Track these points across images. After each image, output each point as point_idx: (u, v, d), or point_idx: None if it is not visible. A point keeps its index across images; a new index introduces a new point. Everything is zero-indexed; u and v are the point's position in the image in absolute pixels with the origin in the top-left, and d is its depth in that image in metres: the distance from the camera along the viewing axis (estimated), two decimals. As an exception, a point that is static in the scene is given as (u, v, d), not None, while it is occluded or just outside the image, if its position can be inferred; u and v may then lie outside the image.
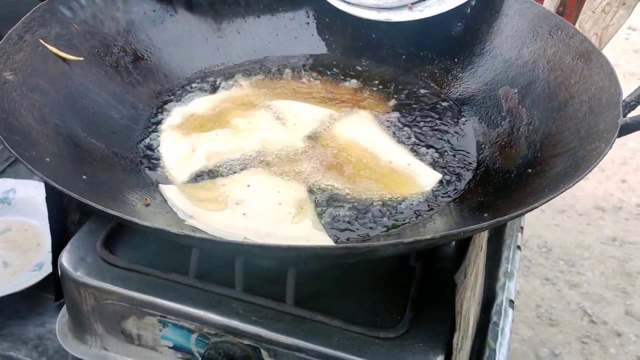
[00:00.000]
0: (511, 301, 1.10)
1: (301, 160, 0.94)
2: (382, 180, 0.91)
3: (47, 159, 0.73)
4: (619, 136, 0.73)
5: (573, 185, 0.65)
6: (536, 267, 2.54)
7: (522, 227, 1.25)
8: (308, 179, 0.91)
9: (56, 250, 0.96)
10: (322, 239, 0.79)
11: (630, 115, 0.76)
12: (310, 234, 0.80)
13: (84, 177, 0.76)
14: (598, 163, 0.68)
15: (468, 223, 0.76)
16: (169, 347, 0.86)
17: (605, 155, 0.69)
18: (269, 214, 0.84)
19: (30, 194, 1.27)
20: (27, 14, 0.90)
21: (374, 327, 0.79)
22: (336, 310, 0.80)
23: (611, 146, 0.70)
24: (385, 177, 0.92)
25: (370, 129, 1.01)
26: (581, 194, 2.83)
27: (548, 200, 0.63)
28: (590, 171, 0.67)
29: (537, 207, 0.63)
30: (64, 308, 0.93)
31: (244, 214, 0.83)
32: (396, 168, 0.94)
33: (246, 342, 0.80)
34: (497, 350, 1.00)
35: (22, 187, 1.28)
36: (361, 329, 0.78)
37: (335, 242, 0.78)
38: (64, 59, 0.92)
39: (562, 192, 0.64)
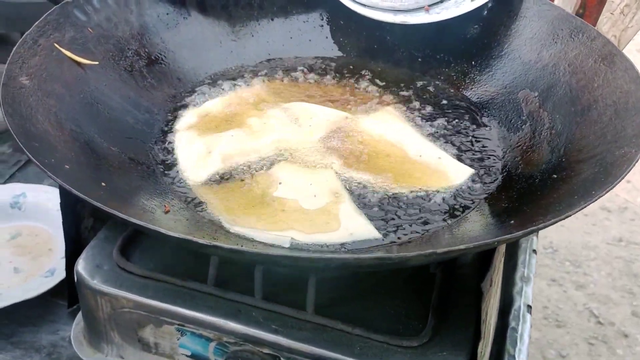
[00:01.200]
0: (529, 306, 1.09)
1: (324, 156, 0.94)
2: (412, 174, 0.91)
3: (67, 166, 0.72)
4: (649, 141, 0.72)
5: (606, 192, 0.64)
6: (542, 268, 2.54)
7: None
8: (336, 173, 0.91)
9: (70, 256, 0.94)
10: (366, 229, 0.80)
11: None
12: (353, 224, 0.81)
13: (103, 184, 0.75)
14: (631, 169, 0.67)
15: (494, 229, 0.75)
16: (187, 356, 0.85)
17: (637, 161, 0.68)
18: (307, 208, 0.84)
19: (40, 198, 1.25)
20: (41, 18, 0.89)
21: (396, 336, 0.77)
22: (357, 318, 0.79)
23: (642, 151, 0.69)
24: (416, 170, 0.92)
25: (396, 124, 1.00)
26: (586, 195, 2.83)
27: (582, 208, 0.62)
28: (623, 178, 0.65)
29: (570, 215, 0.61)
30: (79, 315, 0.92)
31: (283, 210, 0.83)
32: (426, 161, 0.93)
33: (266, 350, 0.79)
34: (516, 356, 0.98)
35: (32, 191, 1.26)
36: (383, 337, 0.77)
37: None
38: (78, 63, 0.91)
39: (595, 200, 0.63)
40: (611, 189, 0.64)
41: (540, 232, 2.41)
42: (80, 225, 0.98)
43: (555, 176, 0.81)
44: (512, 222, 0.75)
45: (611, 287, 2.46)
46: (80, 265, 0.85)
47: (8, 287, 1.09)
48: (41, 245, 1.19)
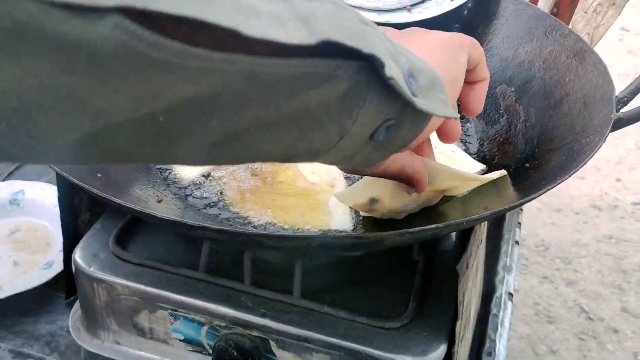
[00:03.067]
0: (510, 294, 1.13)
1: None
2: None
3: (64, 158, 0.76)
4: (612, 130, 0.76)
5: (569, 176, 0.68)
6: (534, 265, 2.57)
7: (519, 223, 1.28)
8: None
9: (68, 248, 0.98)
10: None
11: (622, 110, 0.79)
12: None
13: (99, 175, 0.79)
14: (593, 155, 0.71)
15: (469, 214, 0.79)
16: (180, 340, 0.89)
17: (599, 148, 0.72)
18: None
19: (38, 195, 1.29)
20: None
21: (379, 318, 0.82)
22: (342, 303, 0.83)
23: (604, 139, 0.73)
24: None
25: None
26: (577, 193, 2.87)
27: (544, 192, 0.66)
28: (585, 163, 0.70)
29: (534, 198, 0.66)
30: (77, 304, 0.96)
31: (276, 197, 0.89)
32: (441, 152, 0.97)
33: (255, 333, 0.83)
34: (497, 340, 1.03)
35: (30, 188, 1.30)
36: (367, 319, 0.81)
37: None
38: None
39: (558, 184, 0.67)
40: (573, 173, 0.69)
41: (532, 230, 2.45)
42: (77, 218, 1.02)
43: (527, 165, 0.85)
44: (485, 208, 0.79)
45: (601, 284, 2.50)
46: (78, 255, 0.89)
47: (8, 280, 1.13)
48: (39, 240, 1.23)
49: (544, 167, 0.81)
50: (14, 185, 1.31)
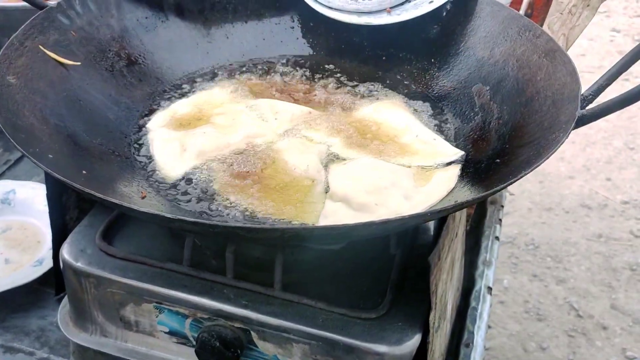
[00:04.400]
0: (489, 288, 1.16)
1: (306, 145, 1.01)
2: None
3: (50, 156, 0.79)
4: (576, 127, 0.79)
5: (532, 170, 0.71)
6: (524, 264, 2.59)
7: (500, 220, 1.31)
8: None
9: (57, 244, 1.01)
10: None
11: (587, 107, 0.82)
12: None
13: (84, 172, 0.82)
14: (556, 150, 0.74)
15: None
16: (165, 332, 0.91)
17: (562, 143, 0.75)
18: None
19: (29, 194, 1.32)
20: (27, 22, 0.95)
21: (357, 309, 0.84)
22: (321, 295, 0.86)
23: (568, 135, 0.76)
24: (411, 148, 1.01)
25: (392, 110, 1.09)
26: (567, 192, 2.89)
27: (508, 184, 0.69)
28: (548, 157, 0.73)
29: (496, 192, 0.69)
30: (65, 299, 0.98)
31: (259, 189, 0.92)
32: (423, 141, 1.02)
33: (237, 325, 0.86)
34: (475, 332, 1.06)
35: (21, 188, 1.33)
36: (344, 310, 0.84)
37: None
38: (62, 64, 0.97)
39: (521, 177, 0.70)
40: (537, 167, 0.72)
41: (522, 229, 2.47)
42: (65, 215, 1.04)
43: (498, 160, 0.88)
44: (455, 201, 0.82)
45: (590, 282, 2.51)
46: (65, 250, 0.92)
47: (0, 277, 1.16)
48: (30, 238, 1.26)
49: (512, 162, 0.84)
50: (5, 185, 1.33)
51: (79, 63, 1.00)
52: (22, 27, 0.94)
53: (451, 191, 0.89)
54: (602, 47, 3.93)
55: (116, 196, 0.81)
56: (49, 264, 1.14)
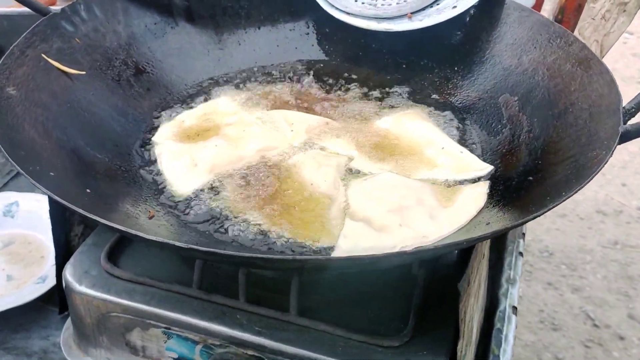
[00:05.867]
0: (514, 307, 1.11)
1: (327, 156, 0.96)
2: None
3: (52, 173, 0.74)
4: (619, 143, 0.73)
5: (575, 193, 0.65)
6: (538, 271, 2.54)
7: (523, 234, 1.25)
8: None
9: (60, 263, 0.96)
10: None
11: (630, 122, 0.76)
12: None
13: (88, 190, 0.77)
14: (599, 170, 0.68)
15: (472, 232, 0.76)
16: (174, 359, 0.86)
17: (606, 163, 0.69)
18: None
19: (33, 207, 1.27)
20: (29, 29, 0.90)
21: (378, 336, 0.79)
22: (340, 320, 0.81)
23: (612, 153, 0.70)
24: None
25: (415, 121, 1.03)
26: (582, 198, 2.84)
27: (549, 209, 0.63)
28: (591, 179, 0.67)
29: (538, 217, 0.63)
30: (69, 320, 0.94)
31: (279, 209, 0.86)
32: (449, 154, 0.96)
33: (250, 352, 0.81)
34: (500, 356, 1.00)
35: (25, 200, 1.28)
36: (365, 337, 0.79)
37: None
38: (66, 73, 0.92)
39: (563, 201, 0.64)
40: (579, 189, 0.66)
41: (536, 236, 2.42)
42: (69, 232, 0.99)
43: (530, 178, 0.82)
44: (488, 224, 0.77)
45: (607, 290, 2.46)
46: (68, 271, 0.87)
47: (1, 295, 1.11)
48: (33, 253, 1.21)
49: (547, 181, 0.78)
50: (8, 197, 1.29)
51: (83, 72, 0.95)
52: (24, 34, 0.89)
53: (480, 211, 0.83)
54: (616, 49, 3.86)
55: (122, 216, 0.76)
56: (52, 281, 1.09)
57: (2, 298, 1.09)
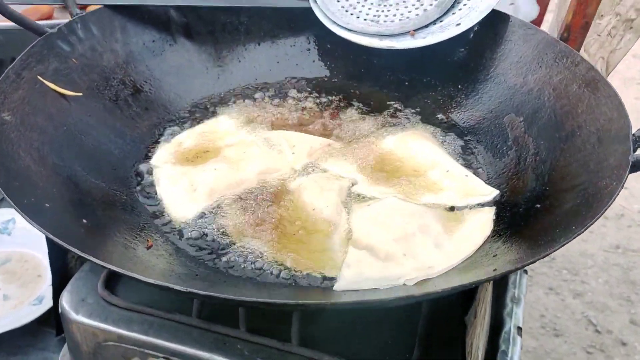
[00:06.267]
0: (519, 328, 1.09)
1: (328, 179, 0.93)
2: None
3: (47, 205, 0.72)
4: (630, 172, 0.71)
5: (586, 229, 0.63)
6: (539, 276, 2.53)
7: (528, 250, 1.24)
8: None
9: (57, 286, 0.94)
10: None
11: (640, 150, 0.74)
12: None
13: (84, 220, 0.75)
14: (611, 203, 0.66)
15: (479, 265, 0.74)
16: (173, 388, 0.84)
17: (617, 195, 0.67)
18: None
19: (29, 224, 1.25)
20: (25, 51, 0.88)
21: (383, 367, 0.78)
22: (342, 350, 0.79)
23: (623, 185, 0.69)
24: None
25: (419, 142, 1.01)
26: (583, 202, 2.82)
27: (561, 246, 0.62)
28: (603, 212, 0.65)
29: (548, 255, 0.61)
30: (65, 347, 0.92)
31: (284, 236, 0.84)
32: (454, 177, 0.94)
33: (252, 383, 0.79)
34: (506, 380, 0.99)
35: (21, 217, 1.26)
36: (369, 368, 0.77)
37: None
38: (62, 95, 0.90)
39: (575, 237, 0.63)
40: (591, 224, 0.64)
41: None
42: (67, 255, 0.98)
43: (538, 206, 0.80)
44: (496, 255, 0.75)
45: (609, 295, 2.45)
46: (65, 299, 0.85)
47: (-2, 316, 1.09)
48: (30, 272, 1.19)
49: (556, 210, 0.76)
50: (4, 214, 1.27)
51: (80, 93, 0.93)
52: (19, 57, 0.87)
53: (487, 239, 0.81)
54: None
55: (119, 248, 0.74)
56: (49, 301, 1.08)
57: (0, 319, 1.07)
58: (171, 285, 0.56)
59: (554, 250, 0.62)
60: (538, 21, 1.38)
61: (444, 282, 0.70)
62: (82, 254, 0.59)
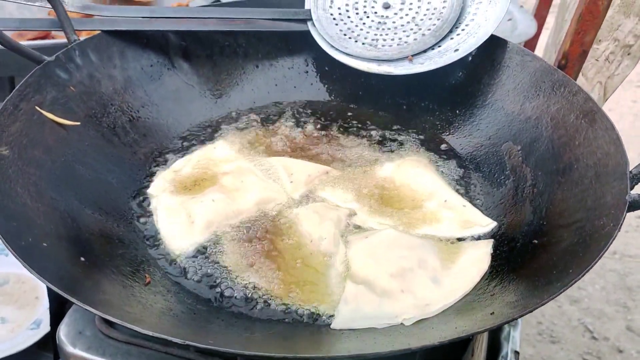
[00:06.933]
0: (516, 352, 1.09)
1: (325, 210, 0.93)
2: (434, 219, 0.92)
3: (44, 244, 0.71)
4: (628, 212, 0.72)
5: (584, 274, 0.64)
6: (536, 282, 2.52)
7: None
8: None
9: (54, 310, 0.94)
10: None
11: (638, 189, 0.74)
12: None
13: (82, 259, 0.75)
14: (608, 247, 0.66)
15: (476, 305, 0.74)
16: (172, 422, 0.84)
17: (615, 238, 0.67)
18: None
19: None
20: (22, 81, 0.88)
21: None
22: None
23: (619, 227, 0.69)
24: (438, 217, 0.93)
25: (417, 170, 1.01)
26: (580, 207, 2.82)
27: (558, 294, 0.62)
28: (600, 257, 0.65)
29: (545, 304, 0.61)
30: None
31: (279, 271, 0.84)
32: (452, 207, 0.94)
33: (250, 417, 0.79)
34: (503, 408, 0.99)
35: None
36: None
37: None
38: (60, 125, 0.90)
39: (572, 284, 0.63)
40: (589, 269, 0.64)
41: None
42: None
43: (536, 241, 0.81)
44: (493, 295, 0.75)
45: (605, 301, 2.46)
46: (63, 332, 0.85)
47: (-6, 340, 1.09)
48: (28, 294, 1.19)
49: (553, 247, 0.76)
50: (1, 234, 1.26)
51: (78, 123, 0.92)
52: (17, 87, 0.87)
53: (484, 275, 0.81)
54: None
55: (117, 288, 0.74)
56: (46, 326, 1.08)
57: (-3, 344, 1.08)
58: (170, 338, 0.56)
59: (550, 300, 0.62)
60: (535, 37, 1.38)
61: (442, 325, 0.70)
62: (83, 305, 0.59)
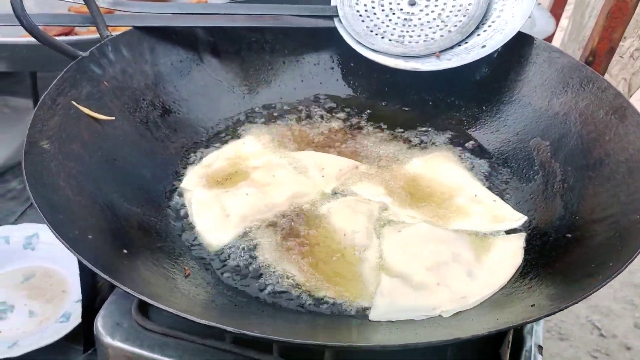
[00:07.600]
0: (540, 347, 1.10)
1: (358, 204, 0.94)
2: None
3: (90, 236, 0.72)
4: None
5: (625, 267, 0.65)
6: (544, 280, 2.53)
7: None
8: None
9: (86, 302, 0.95)
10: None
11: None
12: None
13: (125, 251, 0.76)
14: (647, 241, 0.67)
15: (515, 297, 0.75)
16: (208, 414, 0.85)
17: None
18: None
19: (53, 239, 1.23)
20: (59, 76, 0.89)
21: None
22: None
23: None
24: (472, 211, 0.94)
25: (446, 165, 1.02)
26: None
27: (602, 286, 0.63)
28: (638, 252, 0.66)
29: (588, 296, 0.62)
30: (95, 365, 0.92)
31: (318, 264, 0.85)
32: (482, 202, 0.95)
33: (285, 408, 0.80)
34: (527, 400, 0.99)
35: (45, 231, 1.27)
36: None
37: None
38: (96, 119, 0.91)
39: (615, 276, 0.64)
40: (630, 262, 0.65)
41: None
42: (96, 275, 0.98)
43: (569, 235, 0.81)
44: (530, 286, 0.76)
45: (613, 299, 2.46)
46: (100, 323, 0.86)
47: (24, 332, 1.10)
48: (55, 287, 1.20)
49: (588, 242, 0.77)
50: (27, 228, 1.27)
51: (113, 118, 0.93)
52: (54, 82, 0.88)
53: (518, 268, 0.82)
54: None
55: (161, 280, 0.75)
56: (75, 319, 1.09)
57: (26, 337, 1.08)
58: (224, 327, 0.57)
59: (593, 292, 0.63)
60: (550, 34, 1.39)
61: (481, 317, 0.71)
62: (137, 294, 0.60)
